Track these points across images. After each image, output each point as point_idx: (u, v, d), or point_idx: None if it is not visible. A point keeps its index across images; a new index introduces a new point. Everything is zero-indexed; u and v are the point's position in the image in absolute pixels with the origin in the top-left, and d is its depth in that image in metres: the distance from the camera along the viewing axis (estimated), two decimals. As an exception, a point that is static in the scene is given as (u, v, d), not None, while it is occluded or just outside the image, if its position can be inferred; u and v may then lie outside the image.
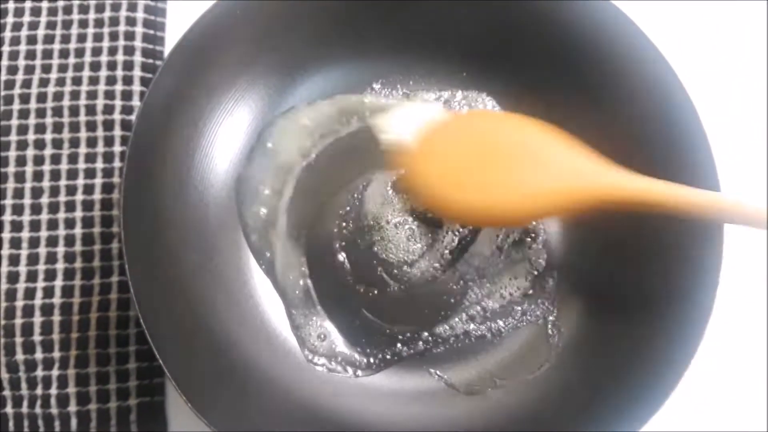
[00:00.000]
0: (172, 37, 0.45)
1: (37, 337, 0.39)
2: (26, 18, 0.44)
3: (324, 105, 0.42)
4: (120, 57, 0.43)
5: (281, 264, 0.40)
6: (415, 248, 0.41)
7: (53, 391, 0.38)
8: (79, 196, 0.41)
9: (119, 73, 0.43)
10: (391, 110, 0.40)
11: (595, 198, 0.34)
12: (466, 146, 0.36)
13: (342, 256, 0.41)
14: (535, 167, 0.34)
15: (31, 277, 0.40)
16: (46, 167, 0.41)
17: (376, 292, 0.40)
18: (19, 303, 0.39)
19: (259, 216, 0.41)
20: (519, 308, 0.41)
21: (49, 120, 0.42)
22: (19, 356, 0.39)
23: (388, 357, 0.39)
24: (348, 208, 0.41)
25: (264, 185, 0.41)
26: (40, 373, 0.38)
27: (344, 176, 0.42)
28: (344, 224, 0.41)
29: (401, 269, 0.41)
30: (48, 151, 0.42)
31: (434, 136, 0.37)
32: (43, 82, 0.42)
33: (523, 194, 0.34)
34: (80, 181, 0.41)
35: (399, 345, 0.40)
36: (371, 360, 0.39)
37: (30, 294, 0.39)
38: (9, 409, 0.38)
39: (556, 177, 0.34)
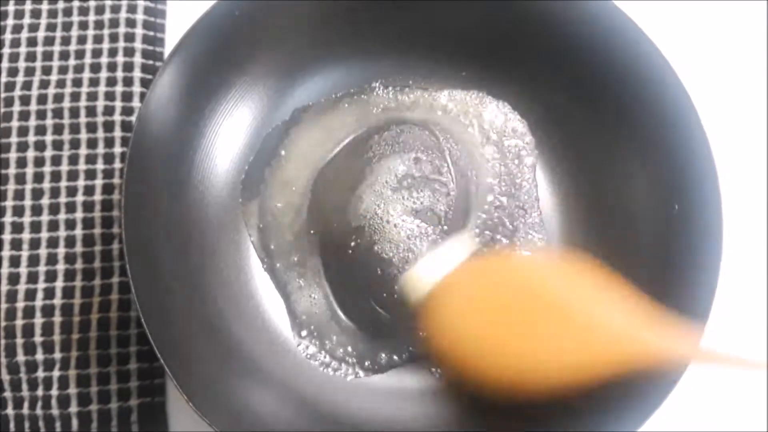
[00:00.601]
0: (171, 39, 0.45)
1: (38, 339, 0.39)
2: (26, 20, 0.44)
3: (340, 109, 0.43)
4: (120, 58, 0.43)
5: (284, 262, 0.41)
6: (415, 247, 0.41)
7: (54, 392, 0.38)
8: (80, 198, 0.41)
9: (119, 74, 0.43)
10: (421, 259, 0.39)
11: (637, 360, 0.31)
12: (497, 301, 0.33)
13: (344, 257, 0.41)
14: (579, 333, 0.31)
15: (32, 278, 0.40)
16: (47, 169, 0.41)
17: (377, 292, 0.40)
18: (20, 304, 0.39)
19: (272, 210, 0.41)
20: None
21: (49, 122, 0.42)
22: (20, 357, 0.39)
23: (389, 358, 0.39)
24: (351, 208, 0.41)
25: (276, 185, 0.42)
26: (41, 374, 0.38)
27: (349, 179, 0.42)
28: (345, 225, 0.41)
29: (402, 269, 0.41)
30: (48, 153, 0.42)
31: (461, 288, 0.35)
32: (44, 84, 0.43)
33: (563, 362, 0.32)
34: (81, 183, 0.41)
35: (401, 346, 0.40)
36: (372, 361, 0.39)
37: (31, 295, 0.39)
38: (10, 411, 0.38)
39: (600, 345, 0.31)
